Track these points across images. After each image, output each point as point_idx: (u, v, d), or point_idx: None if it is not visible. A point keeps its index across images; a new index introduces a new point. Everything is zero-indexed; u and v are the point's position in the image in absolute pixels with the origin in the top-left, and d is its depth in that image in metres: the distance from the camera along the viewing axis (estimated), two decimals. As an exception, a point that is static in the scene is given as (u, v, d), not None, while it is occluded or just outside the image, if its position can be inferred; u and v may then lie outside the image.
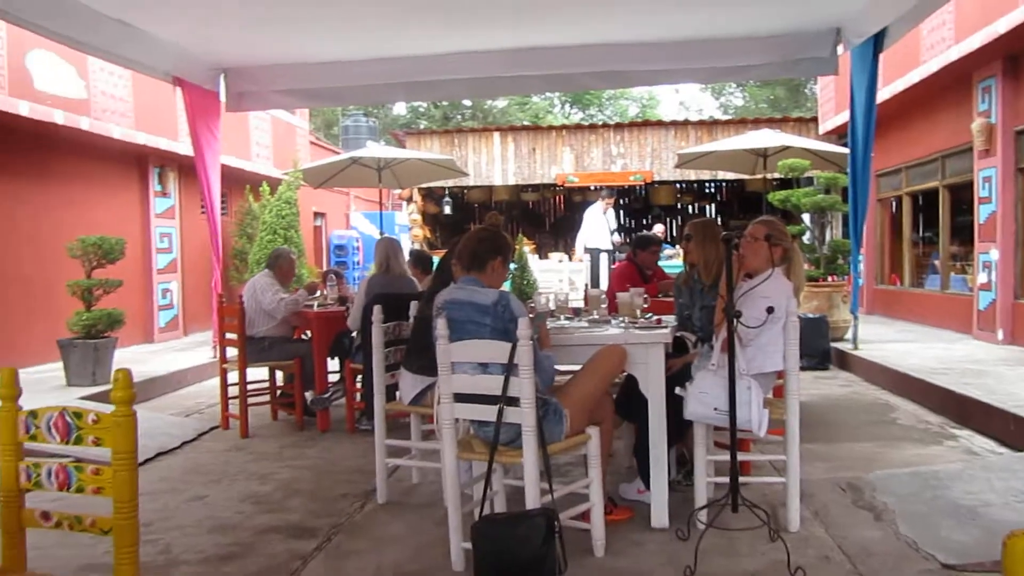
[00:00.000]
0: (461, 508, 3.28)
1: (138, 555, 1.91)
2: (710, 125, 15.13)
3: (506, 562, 2.84)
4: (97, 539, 3.51)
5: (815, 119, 13.96)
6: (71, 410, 1.95)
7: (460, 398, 3.21)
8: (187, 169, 10.71)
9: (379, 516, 4.06)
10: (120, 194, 9.84)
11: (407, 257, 6.42)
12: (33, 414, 2.02)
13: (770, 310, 3.34)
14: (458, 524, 3.25)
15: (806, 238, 9.81)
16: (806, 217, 10.31)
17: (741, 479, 3.35)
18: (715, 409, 3.38)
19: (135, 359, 8.55)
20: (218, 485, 4.66)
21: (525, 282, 10.41)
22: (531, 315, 3.34)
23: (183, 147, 10.07)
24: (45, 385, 7.02)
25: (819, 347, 8.12)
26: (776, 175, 10.75)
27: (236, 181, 11.87)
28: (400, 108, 32.79)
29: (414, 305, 4.52)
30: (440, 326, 3.17)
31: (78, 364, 6.96)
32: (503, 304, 3.17)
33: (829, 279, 9.26)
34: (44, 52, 7.85)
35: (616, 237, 13.27)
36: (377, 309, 4.22)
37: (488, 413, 3.11)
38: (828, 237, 10.16)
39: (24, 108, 7.40)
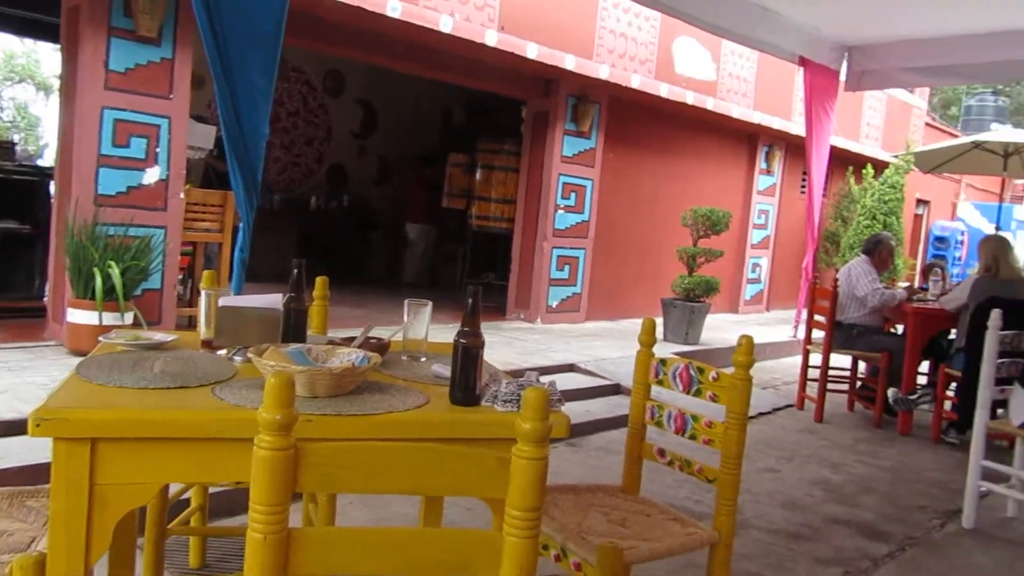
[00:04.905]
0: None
1: (735, 508, 2.07)
2: None
3: None
4: (681, 482, 3.93)
5: None
6: (696, 364, 2.19)
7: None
8: (793, 148, 10.88)
9: (963, 541, 3.68)
10: (728, 170, 10.48)
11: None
12: (663, 361, 2.32)
13: None
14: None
15: None
16: None
17: None
18: None
19: (720, 326, 9.10)
20: (790, 463, 4.74)
21: None
22: None
23: (794, 127, 10.24)
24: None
25: None
26: None
27: (839, 162, 11.63)
28: (1040, 85, 28.11)
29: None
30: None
31: (675, 323, 7.70)
32: None
33: None
34: (687, 39, 8.72)
35: None
36: (996, 314, 3.76)
37: None
38: None
39: (663, 90, 8.36)
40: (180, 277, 5.54)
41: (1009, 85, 26.00)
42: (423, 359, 2.07)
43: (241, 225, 3.71)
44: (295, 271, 2.02)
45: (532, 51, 6.86)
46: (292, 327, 2.01)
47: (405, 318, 2.07)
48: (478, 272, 9.97)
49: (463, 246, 10.19)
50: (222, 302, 1.96)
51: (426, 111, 11.07)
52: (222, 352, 1.98)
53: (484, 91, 8.28)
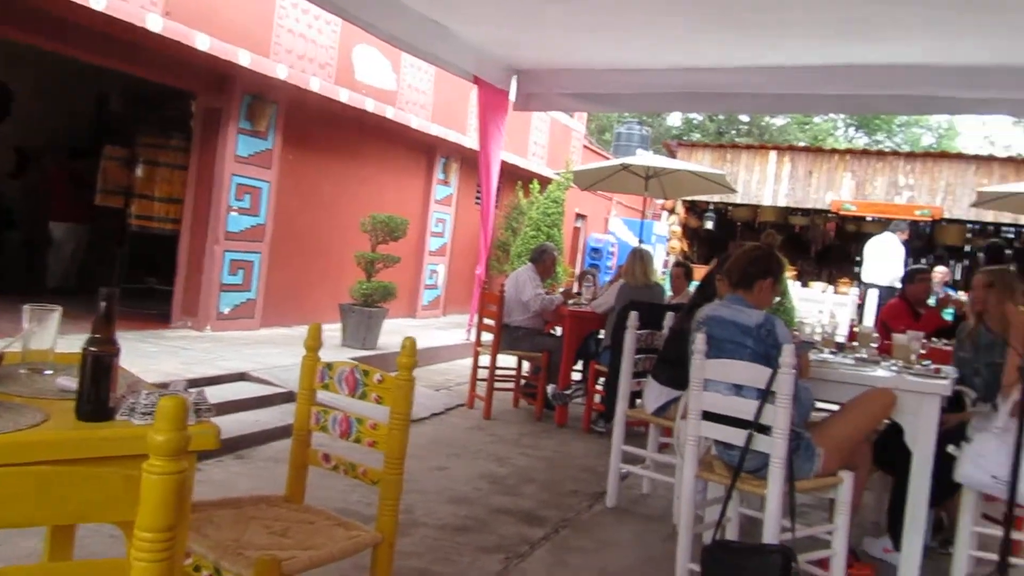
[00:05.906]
0: (692, 528, 3.23)
1: (398, 508, 2.09)
2: (1020, 163, 13.44)
3: (734, 593, 2.75)
4: (353, 486, 3.90)
5: None
6: (361, 367, 2.18)
7: (708, 416, 3.15)
8: (468, 161, 11.42)
9: (606, 519, 4.10)
10: (408, 179, 10.73)
11: (664, 267, 6.41)
12: (329, 366, 2.28)
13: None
14: (688, 544, 3.19)
15: None
16: None
17: (1012, 560, 2.98)
18: (993, 477, 3.04)
19: (399, 331, 9.25)
20: (459, 459, 4.95)
21: (782, 309, 9.92)
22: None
23: (468, 141, 10.75)
24: (323, 343, 7.86)
25: None
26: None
27: (509, 176, 12.48)
28: (674, 119, 32.59)
29: (670, 316, 4.50)
30: (698, 341, 3.13)
31: (353, 328, 7.69)
32: (768, 328, 3.07)
33: None
34: (367, 47, 8.76)
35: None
36: (633, 316, 4.25)
37: (736, 436, 3.02)
38: None
39: (344, 95, 8.31)
40: None
41: (651, 116, 29.79)
42: (48, 372, 1.82)
43: None
44: None
45: (203, 43, 6.44)
46: None
47: (25, 325, 1.81)
48: (138, 276, 9.12)
49: (120, 248, 9.25)
50: None
51: (76, 97, 9.87)
52: None
53: (148, 80, 7.61)
